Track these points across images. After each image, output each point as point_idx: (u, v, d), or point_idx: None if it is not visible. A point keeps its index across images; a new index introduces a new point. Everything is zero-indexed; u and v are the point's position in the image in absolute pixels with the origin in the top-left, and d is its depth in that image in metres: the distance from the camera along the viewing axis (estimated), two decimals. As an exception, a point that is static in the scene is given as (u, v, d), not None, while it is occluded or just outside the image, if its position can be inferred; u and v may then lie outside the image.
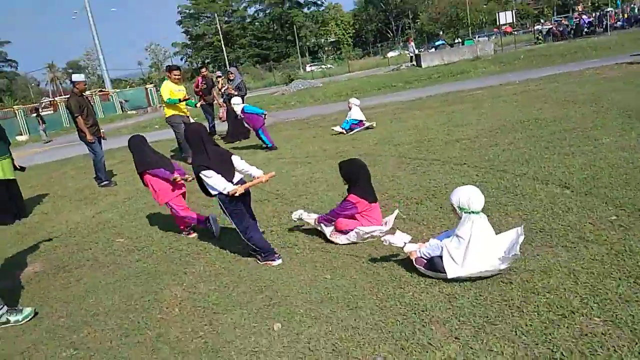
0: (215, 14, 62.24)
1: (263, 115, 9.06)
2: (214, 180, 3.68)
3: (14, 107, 28.48)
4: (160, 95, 8.45)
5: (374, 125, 9.34)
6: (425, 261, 3.26)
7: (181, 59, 73.35)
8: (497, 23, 31.20)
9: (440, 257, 3.14)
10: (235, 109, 9.17)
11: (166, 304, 3.46)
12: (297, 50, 65.07)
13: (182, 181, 4.74)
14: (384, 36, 74.24)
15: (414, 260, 3.32)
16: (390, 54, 49.47)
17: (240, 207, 3.83)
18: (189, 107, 8.85)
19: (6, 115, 26.65)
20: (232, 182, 3.76)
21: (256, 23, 71.58)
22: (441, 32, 52.53)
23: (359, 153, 7.08)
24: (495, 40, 33.63)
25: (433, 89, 14.85)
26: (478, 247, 3.02)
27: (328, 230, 4.14)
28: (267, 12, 70.79)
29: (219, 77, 11.33)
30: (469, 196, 3.05)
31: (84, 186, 8.54)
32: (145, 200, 6.38)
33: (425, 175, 5.46)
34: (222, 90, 10.72)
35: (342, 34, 75.88)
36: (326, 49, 73.14)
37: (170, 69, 8.76)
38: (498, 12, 30.87)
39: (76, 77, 8.13)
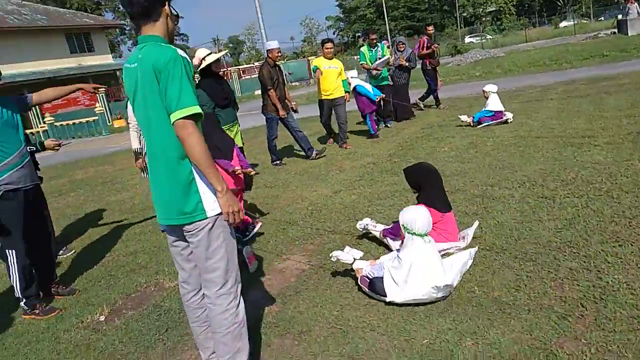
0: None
1: (377, 98, 8.48)
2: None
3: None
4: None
5: (511, 119, 7.97)
6: (368, 281, 3.13)
7: (334, 33, 74.32)
8: None
9: (382, 278, 3.04)
10: (350, 82, 8.51)
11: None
12: (453, 20, 61.59)
13: (241, 174, 4.29)
14: (552, 4, 66.58)
15: (358, 279, 3.22)
16: (564, 24, 44.13)
17: None
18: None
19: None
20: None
21: (411, -7, 69.16)
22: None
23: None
24: None
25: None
26: (419, 272, 2.92)
27: (395, 245, 3.62)
28: (424, -19, 67.86)
29: (388, 47, 10.56)
30: (414, 218, 3.01)
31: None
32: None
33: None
34: (393, 62, 9.99)
35: (503, 2, 69.83)
36: (484, 19, 68.06)
37: (322, 42, 8.35)
38: None
39: (271, 44, 7.31)
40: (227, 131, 5.90)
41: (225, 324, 2.29)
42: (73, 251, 5.15)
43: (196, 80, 6.79)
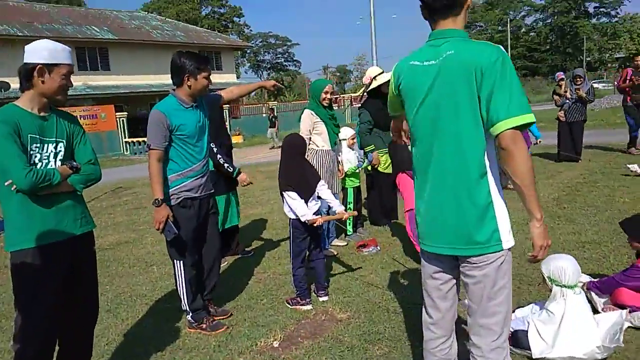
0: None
1: (537, 141, 7.85)
2: (296, 204, 3.64)
3: (293, 100, 32.44)
4: None
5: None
6: (509, 334, 2.58)
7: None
8: None
9: (526, 332, 2.76)
10: None
11: None
12: (576, 64, 58.05)
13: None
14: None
15: None
16: None
17: (306, 237, 3.78)
18: None
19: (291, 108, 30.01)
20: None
21: (532, 33, 66.62)
22: None
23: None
24: None
25: None
26: (571, 327, 2.64)
27: (600, 302, 3.21)
28: (548, 22, 65.08)
29: (562, 79, 9.62)
30: (563, 267, 2.75)
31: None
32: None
33: None
34: (569, 95, 9.15)
35: (635, 49, 64.80)
36: (609, 65, 63.50)
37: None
38: None
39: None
40: (380, 154, 5.57)
41: None
42: (226, 262, 4.99)
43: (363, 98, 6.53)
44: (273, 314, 3.71)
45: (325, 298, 3.87)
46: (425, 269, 2.03)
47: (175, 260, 3.43)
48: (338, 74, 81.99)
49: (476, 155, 1.77)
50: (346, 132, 5.37)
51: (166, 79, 26.53)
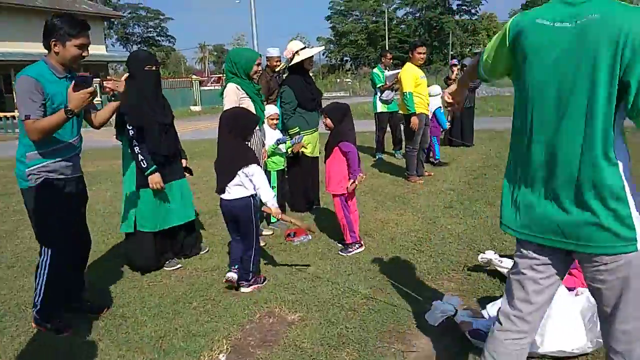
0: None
1: (442, 132, 8.10)
2: (264, 180, 3.43)
3: (192, 77, 30.90)
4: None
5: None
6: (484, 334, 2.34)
7: (323, 54, 74.51)
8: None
9: None
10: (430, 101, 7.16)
11: None
12: (443, 57, 62.69)
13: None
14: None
15: (467, 332, 2.67)
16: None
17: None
18: None
19: (184, 85, 28.35)
20: None
21: (402, 26, 70.39)
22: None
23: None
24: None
25: None
26: (559, 321, 2.49)
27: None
28: (417, 15, 69.19)
29: (454, 65, 9.72)
30: None
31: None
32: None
33: None
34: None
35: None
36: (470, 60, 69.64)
37: (414, 45, 6.70)
38: None
39: (271, 52, 6.16)
40: (307, 136, 5.20)
41: None
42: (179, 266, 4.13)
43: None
44: (209, 319, 3.15)
45: (247, 289, 3.53)
46: (524, 260, 1.77)
47: (43, 247, 3.00)
48: (215, 53, 79.29)
49: (608, 135, 1.49)
50: (268, 110, 4.87)
51: (28, 47, 23.34)
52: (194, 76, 33.06)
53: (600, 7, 1.47)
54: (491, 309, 2.84)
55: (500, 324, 1.86)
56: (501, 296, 3.01)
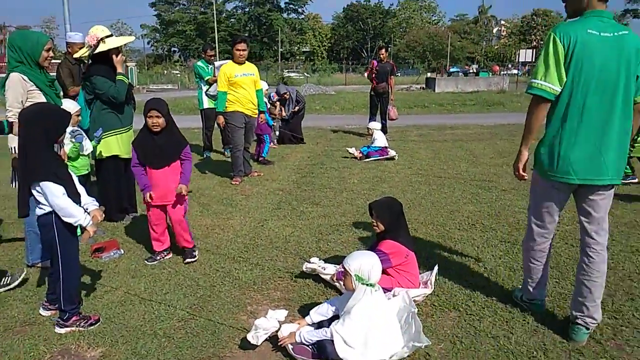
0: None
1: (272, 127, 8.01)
2: (66, 202, 2.65)
3: None
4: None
5: (396, 156, 8.04)
6: (311, 351, 2.50)
7: (148, 43, 70.33)
8: (517, 59, 36.12)
9: (331, 341, 2.46)
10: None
11: None
12: (273, 53, 63.68)
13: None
14: (358, 54, 74.14)
15: (291, 348, 2.53)
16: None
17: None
18: None
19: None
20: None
21: (232, 19, 69.86)
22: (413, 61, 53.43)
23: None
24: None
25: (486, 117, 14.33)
26: (378, 330, 2.46)
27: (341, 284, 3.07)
28: (246, 10, 69.20)
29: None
30: (371, 265, 2.52)
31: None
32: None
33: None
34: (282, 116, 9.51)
35: (317, 45, 75.22)
36: (298, 57, 72.18)
37: (234, 41, 6.56)
38: (519, 49, 35.69)
39: (73, 37, 5.82)
40: (125, 136, 4.63)
41: (604, 270, 2.63)
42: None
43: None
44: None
45: (46, 313, 3.02)
46: (555, 198, 2.67)
47: None
48: (18, 36, 69.40)
49: (628, 114, 2.48)
50: (66, 105, 4.16)
51: None
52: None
53: (622, 27, 2.43)
54: (314, 315, 2.75)
55: (537, 241, 2.80)
56: (325, 301, 2.92)
